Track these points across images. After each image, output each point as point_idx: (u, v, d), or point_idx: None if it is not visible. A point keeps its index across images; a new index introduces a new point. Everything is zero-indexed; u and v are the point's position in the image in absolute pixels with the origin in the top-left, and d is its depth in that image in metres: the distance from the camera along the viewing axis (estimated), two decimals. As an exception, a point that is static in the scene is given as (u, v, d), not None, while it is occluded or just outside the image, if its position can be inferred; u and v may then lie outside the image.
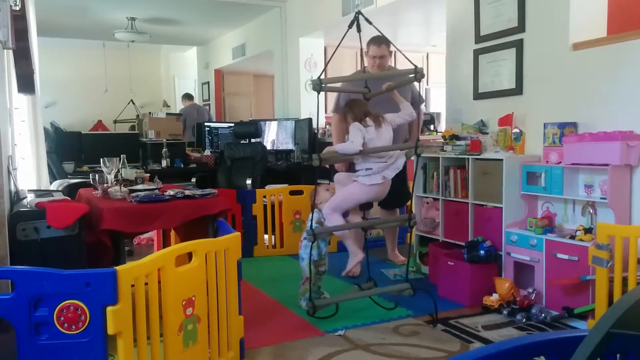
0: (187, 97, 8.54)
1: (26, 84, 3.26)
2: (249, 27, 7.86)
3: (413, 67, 2.78)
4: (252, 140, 5.66)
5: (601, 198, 2.75)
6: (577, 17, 3.08)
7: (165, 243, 3.77)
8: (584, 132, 2.87)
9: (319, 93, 2.71)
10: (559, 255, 2.78)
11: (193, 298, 1.95)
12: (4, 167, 2.19)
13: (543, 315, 2.76)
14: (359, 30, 2.92)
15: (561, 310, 2.73)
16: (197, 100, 9.92)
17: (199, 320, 1.99)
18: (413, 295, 2.87)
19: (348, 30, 2.90)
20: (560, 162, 2.92)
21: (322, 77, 2.76)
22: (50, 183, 4.15)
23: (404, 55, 3.05)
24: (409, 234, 2.95)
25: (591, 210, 2.87)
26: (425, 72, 8.11)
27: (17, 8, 2.86)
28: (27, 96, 3.62)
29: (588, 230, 2.73)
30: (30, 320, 1.56)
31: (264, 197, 4.46)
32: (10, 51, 2.83)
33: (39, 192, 2.84)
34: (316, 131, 6.31)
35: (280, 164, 6.30)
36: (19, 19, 2.83)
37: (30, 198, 2.56)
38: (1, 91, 2.59)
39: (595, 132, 2.79)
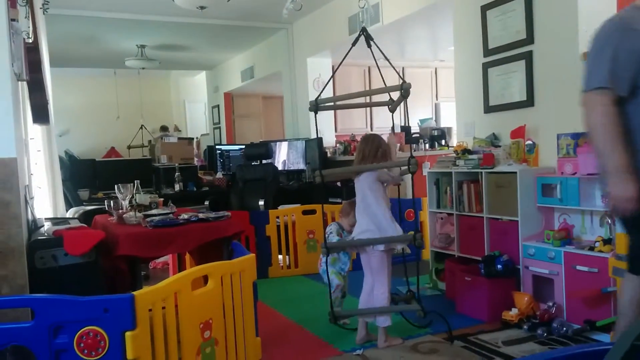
0: (162, 128, 9.05)
1: (41, 114, 3.31)
2: (257, 49, 7.96)
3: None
4: (264, 161, 5.68)
5: (618, 207, 2.71)
6: (586, 27, 3.08)
7: (181, 266, 3.78)
8: (598, 142, 2.85)
9: (316, 113, 2.82)
10: (579, 268, 2.74)
11: (210, 321, 1.95)
12: (22, 197, 2.22)
13: (565, 329, 2.71)
14: (369, 45, 2.91)
15: (583, 324, 2.68)
16: (208, 124, 10.02)
17: (216, 343, 1.98)
18: (424, 317, 2.81)
19: (351, 48, 2.91)
20: (576, 173, 2.89)
21: (322, 97, 2.86)
22: (66, 210, 4.19)
23: (395, 69, 3.10)
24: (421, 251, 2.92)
25: (609, 221, 2.83)
26: (434, 87, 8.05)
27: (31, 40, 2.92)
28: (42, 126, 3.67)
29: (607, 241, 2.69)
30: (51, 347, 1.57)
31: (277, 217, 4.46)
32: (25, 83, 2.88)
33: (55, 220, 2.86)
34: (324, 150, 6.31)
35: (292, 184, 6.32)
36: (32, 51, 2.89)
37: (47, 226, 2.58)
38: (17, 122, 2.63)
39: (608, 141, 2.76)
